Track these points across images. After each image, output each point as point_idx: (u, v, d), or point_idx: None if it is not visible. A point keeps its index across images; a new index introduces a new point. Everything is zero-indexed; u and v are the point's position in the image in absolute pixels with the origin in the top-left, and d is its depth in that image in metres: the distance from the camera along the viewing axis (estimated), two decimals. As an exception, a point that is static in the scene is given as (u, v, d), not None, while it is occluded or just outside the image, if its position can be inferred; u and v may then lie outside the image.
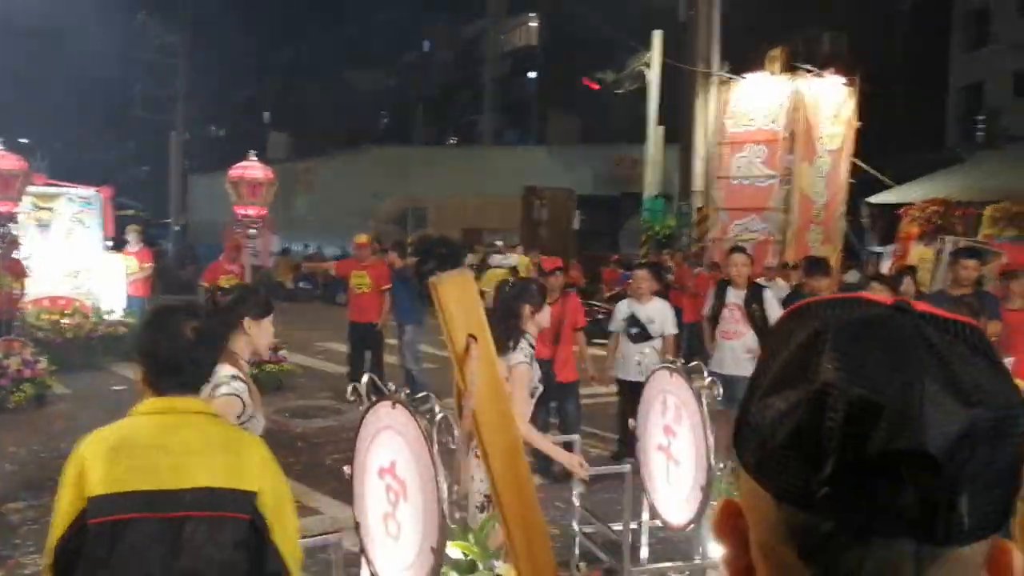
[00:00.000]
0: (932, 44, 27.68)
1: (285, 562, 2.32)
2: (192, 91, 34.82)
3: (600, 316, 12.68)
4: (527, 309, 4.51)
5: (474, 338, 1.08)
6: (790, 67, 13.95)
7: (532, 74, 39.65)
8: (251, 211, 11.18)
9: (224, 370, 3.33)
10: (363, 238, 11.06)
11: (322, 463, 7.91)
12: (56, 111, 33.97)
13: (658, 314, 7.42)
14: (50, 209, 13.02)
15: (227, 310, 3.60)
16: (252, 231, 11.18)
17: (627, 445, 7.68)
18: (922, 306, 0.64)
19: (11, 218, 10.37)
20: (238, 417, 3.33)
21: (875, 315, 0.63)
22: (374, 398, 3.20)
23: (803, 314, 0.66)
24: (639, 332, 7.34)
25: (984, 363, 0.61)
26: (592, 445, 8.33)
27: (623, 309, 7.60)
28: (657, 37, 16.48)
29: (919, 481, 0.57)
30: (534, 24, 39.64)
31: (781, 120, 13.63)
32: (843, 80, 14.22)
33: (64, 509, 2.23)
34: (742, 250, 7.81)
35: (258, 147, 38.10)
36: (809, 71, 13.71)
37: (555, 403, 7.52)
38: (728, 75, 14.47)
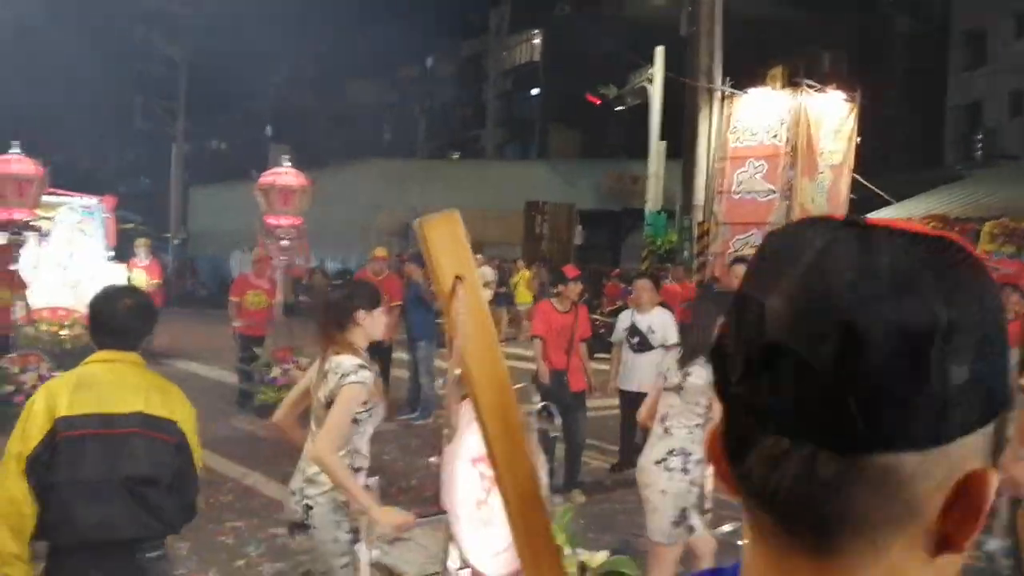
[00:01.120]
0: (930, 64, 27.88)
1: (196, 470, 3.27)
2: (193, 103, 34.94)
3: (602, 331, 12.66)
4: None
5: (460, 279, 1.08)
6: (792, 83, 14.01)
7: (534, 90, 39.83)
8: (283, 221, 10.60)
9: (349, 360, 3.64)
10: (382, 251, 10.97)
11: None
12: (56, 120, 34.08)
13: (659, 324, 7.42)
14: (50, 218, 12.73)
15: (340, 305, 3.83)
16: (285, 243, 10.63)
17: (627, 457, 7.68)
18: (877, 221, 0.63)
19: (27, 225, 10.00)
20: (364, 404, 3.60)
21: (801, 231, 0.64)
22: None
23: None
24: (640, 342, 7.34)
25: (899, 275, 0.58)
26: (592, 457, 8.32)
27: (624, 319, 7.61)
28: (659, 52, 16.55)
29: (795, 379, 0.58)
30: (536, 41, 39.86)
31: (783, 135, 13.68)
32: (844, 96, 14.28)
33: (38, 426, 2.99)
34: (744, 260, 7.82)
35: (259, 160, 38.12)
36: (811, 86, 13.77)
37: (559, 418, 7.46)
38: (730, 90, 14.52)
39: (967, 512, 0.59)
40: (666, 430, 4.54)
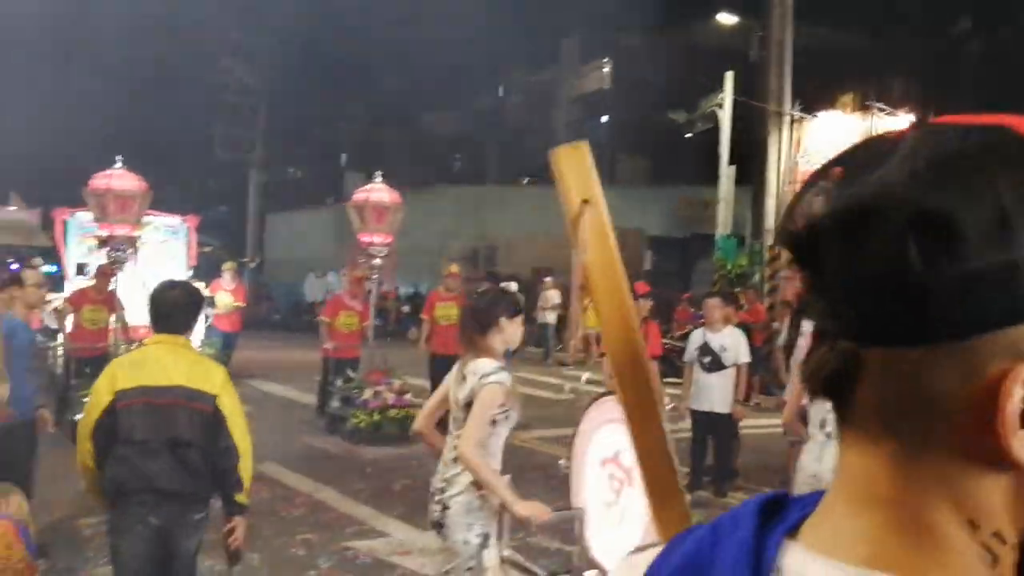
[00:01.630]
0: (1002, 87, 27.21)
1: (236, 442, 3.82)
2: (271, 133, 35.85)
3: (672, 355, 12.61)
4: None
5: (587, 203, 1.16)
6: (863, 106, 13.87)
7: (604, 118, 39.97)
8: (376, 238, 10.31)
9: (488, 363, 3.83)
10: (454, 267, 10.91)
11: (390, 488, 8.02)
12: (142, 146, 35.29)
13: (731, 342, 7.37)
14: (136, 237, 13.28)
15: (484, 311, 4.02)
16: (377, 261, 10.31)
17: (698, 478, 7.64)
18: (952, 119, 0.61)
19: (131, 242, 9.54)
20: (500, 405, 3.74)
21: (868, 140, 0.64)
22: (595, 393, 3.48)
23: None
24: (712, 361, 7.29)
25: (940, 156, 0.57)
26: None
27: (696, 339, 7.55)
28: (729, 78, 16.53)
29: (845, 269, 0.58)
30: (606, 69, 40.04)
31: (855, 158, 13.52)
32: (916, 119, 14.05)
33: (99, 399, 3.75)
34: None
35: (334, 187, 38.82)
36: (882, 109, 13.60)
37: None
38: (800, 114, 14.42)
39: (995, 413, 0.55)
40: (828, 436, 4.60)
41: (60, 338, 11.94)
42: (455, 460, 3.83)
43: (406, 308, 24.61)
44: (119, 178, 9.50)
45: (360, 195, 10.44)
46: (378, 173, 10.62)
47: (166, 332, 3.95)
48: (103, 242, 9.47)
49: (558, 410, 12.68)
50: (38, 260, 13.95)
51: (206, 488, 3.87)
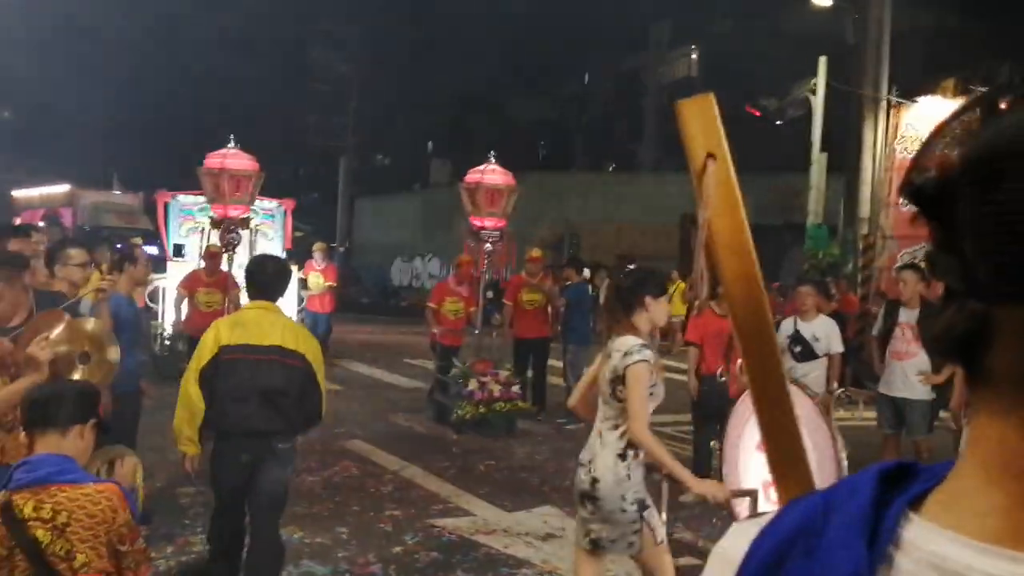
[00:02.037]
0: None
1: (322, 390, 4.63)
2: (360, 120, 36.37)
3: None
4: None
5: (712, 157, 1.12)
6: (965, 91, 13.36)
7: (692, 104, 39.44)
8: (488, 222, 9.87)
9: (632, 340, 3.91)
10: (537, 252, 10.71)
11: (475, 468, 8.11)
12: (237, 133, 36.12)
13: (823, 331, 7.21)
14: None
15: (631, 290, 4.09)
16: (488, 246, 9.90)
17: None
18: None
19: (244, 223, 9.34)
20: (651, 386, 3.85)
21: None
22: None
23: None
24: (803, 350, 7.12)
25: None
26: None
27: (786, 328, 7.37)
28: (823, 63, 16.12)
29: (938, 220, 0.57)
30: (695, 56, 39.47)
31: (955, 145, 13.04)
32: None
33: (205, 352, 4.45)
34: (913, 267, 7.50)
35: (420, 174, 39.09)
36: (987, 94, 13.06)
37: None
38: (898, 99, 13.98)
39: None
40: None
41: (160, 318, 12.41)
42: (602, 433, 4.00)
43: (489, 294, 24.71)
44: (233, 158, 9.24)
45: (473, 177, 9.92)
46: (492, 154, 10.16)
47: (262, 299, 4.70)
48: (216, 223, 9.27)
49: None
50: (138, 240, 14.39)
51: (292, 427, 4.62)
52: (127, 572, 2.66)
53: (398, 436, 9.34)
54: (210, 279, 10.38)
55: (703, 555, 5.93)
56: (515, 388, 9.55)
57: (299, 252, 15.49)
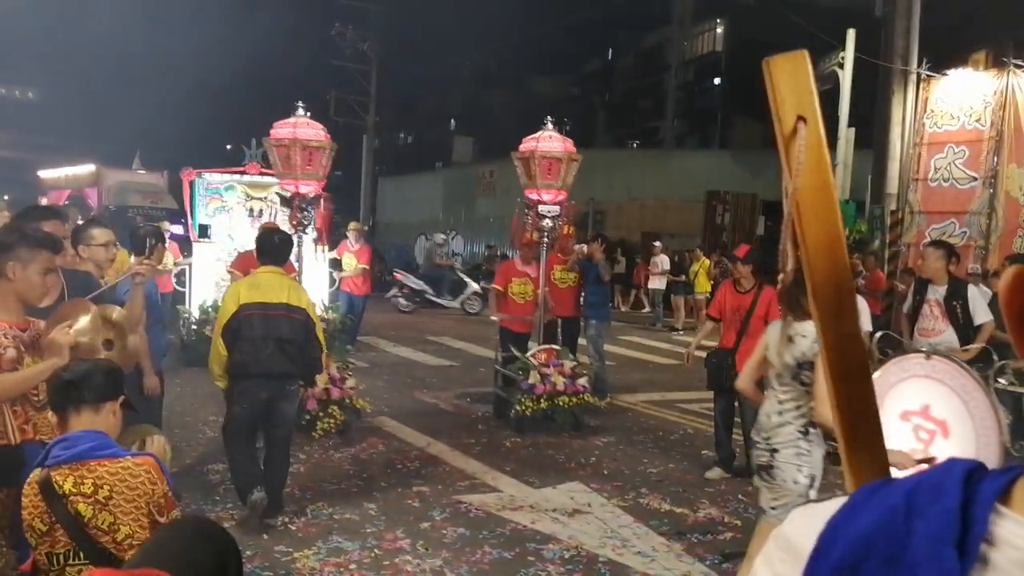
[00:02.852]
0: None
1: (320, 342, 5.82)
2: (382, 98, 36.28)
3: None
4: None
5: (803, 120, 1.04)
6: (997, 63, 13.11)
7: (716, 80, 39.05)
8: (545, 195, 8.75)
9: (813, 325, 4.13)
10: (567, 229, 9.98)
11: (501, 445, 8.12)
12: (259, 109, 36.26)
13: (854, 309, 7.14)
14: (263, 199, 12.58)
15: None
16: (546, 222, 8.81)
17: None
18: None
19: (315, 201, 7.92)
20: None
21: None
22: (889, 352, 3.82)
23: None
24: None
25: None
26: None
27: None
28: (851, 35, 15.88)
29: None
30: (719, 30, 39.05)
31: (987, 118, 12.84)
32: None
33: (229, 308, 5.58)
34: (939, 244, 7.42)
35: (443, 152, 39.00)
36: (1019, 66, 12.82)
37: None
38: (928, 72, 13.75)
39: None
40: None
41: (187, 302, 12.20)
42: (780, 413, 4.29)
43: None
44: (304, 127, 7.86)
45: (527, 145, 8.83)
46: (549, 119, 9.02)
47: (271, 264, 5.84)
48: (287, 201, 8.09)
49: (666, 375, 12.63)
50: (165, 225, 14.33)
51: (298, 370, 5.76)
52: None
53: (424, 413, 9.36)
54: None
55: (731, 529, 5.94)
56: (582, 381, 8.67)
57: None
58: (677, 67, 40.92)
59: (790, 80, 1.05)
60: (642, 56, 43.61)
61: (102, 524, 2.60)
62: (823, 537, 0.64)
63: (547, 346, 8.93)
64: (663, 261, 18.89)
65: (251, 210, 12.58)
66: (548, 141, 8.71)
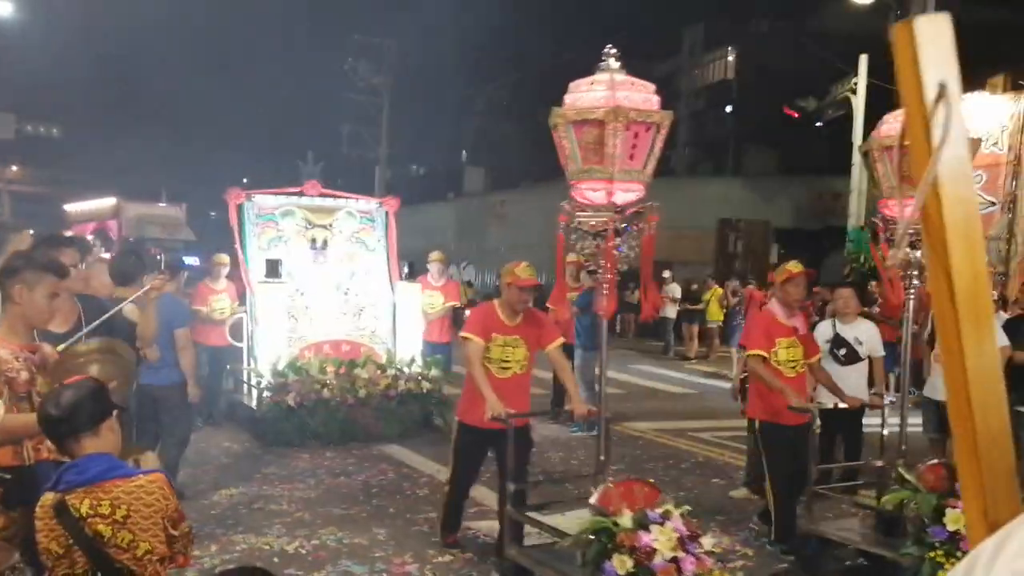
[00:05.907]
0: None
1: None
2: (394, 129, 36.45)
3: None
4: None
5: (942, 96, 0.87)
6: (1015, 86, 13.00)
7: (728, 108, 39.09)
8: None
9: None
10: (572, 257, 9.60)
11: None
12: (272, 142, 36.52)
13: (866, 335, 6.96)
14: (327, 226, 10.00)
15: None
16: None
17: (827, 472, 7.27)
18: None
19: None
20: None
21: None
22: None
23: None
24: (847, 353, 6.87)
25: None
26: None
27: (825, 331, 7.03)
28: (863, 61, 15.84)
29: None
30: (730, 58, 39.13)
31: (1004, 143, 12.72)
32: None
33: None
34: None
35: (455, 182, 39.31)
36: (1036, 90, 12.71)
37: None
38: (943, 96, 13.65)
39: None
40: None
41: (248, 358, 9.79)
42: None
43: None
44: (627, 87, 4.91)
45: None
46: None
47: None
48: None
49: (677, 404, 12.54)
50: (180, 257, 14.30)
51: None
52: (178, 556, 2.84)
53: (432, 441, 9.25)
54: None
55: (742, 558, 5.77)
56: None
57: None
58: (688, 95, 40.99)
59: (935, 44, 0.90)
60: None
61: (122, 543, 2.68)
62: None
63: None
64: (674, 289, 18.75)
65: (313, 240, 9.97)
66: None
